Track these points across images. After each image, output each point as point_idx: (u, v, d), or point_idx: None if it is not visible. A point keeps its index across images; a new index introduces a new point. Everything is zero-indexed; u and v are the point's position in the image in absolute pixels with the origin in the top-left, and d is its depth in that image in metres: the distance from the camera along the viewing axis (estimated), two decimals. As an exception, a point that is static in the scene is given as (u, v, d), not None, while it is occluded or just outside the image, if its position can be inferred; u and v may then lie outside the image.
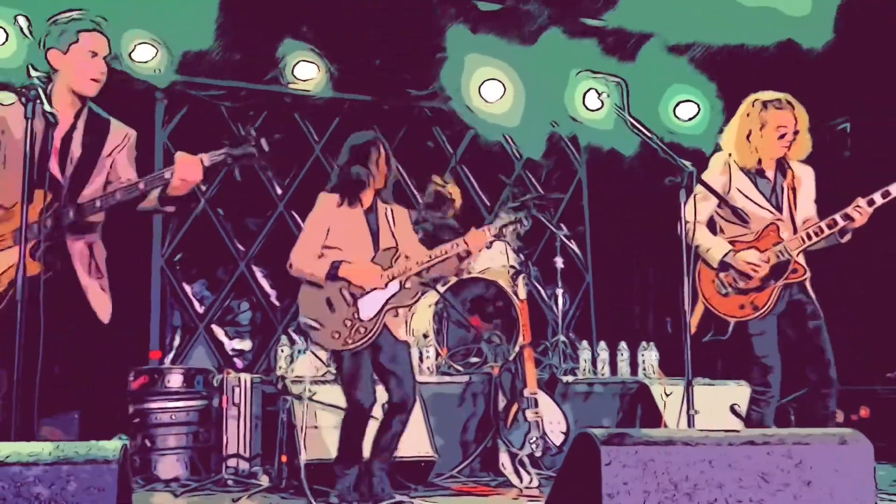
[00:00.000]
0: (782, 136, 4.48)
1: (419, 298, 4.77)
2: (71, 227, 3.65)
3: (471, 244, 4.56)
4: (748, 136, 4.51)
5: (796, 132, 4.49)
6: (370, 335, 4.52)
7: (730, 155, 4.57)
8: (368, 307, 4.55)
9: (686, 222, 4.17)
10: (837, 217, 4.30)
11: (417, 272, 4.62)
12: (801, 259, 4.44)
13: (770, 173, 4.54)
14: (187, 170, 3.53)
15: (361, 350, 4.53)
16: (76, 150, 3.74)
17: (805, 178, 4.57)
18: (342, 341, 4.51)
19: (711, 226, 4.61)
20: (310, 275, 4.55)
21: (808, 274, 4.42)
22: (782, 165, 4.54)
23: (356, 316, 4.53)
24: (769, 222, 4.46)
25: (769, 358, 4.42)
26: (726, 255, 4.43)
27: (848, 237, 4.39)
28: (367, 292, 4.55)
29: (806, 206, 4.55)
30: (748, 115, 4.53)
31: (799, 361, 4.46)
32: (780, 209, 4.49)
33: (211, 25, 6.82)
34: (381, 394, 4.69)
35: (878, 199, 4.25)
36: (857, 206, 4.25)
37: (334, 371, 5.09)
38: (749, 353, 4.44)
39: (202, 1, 6.57)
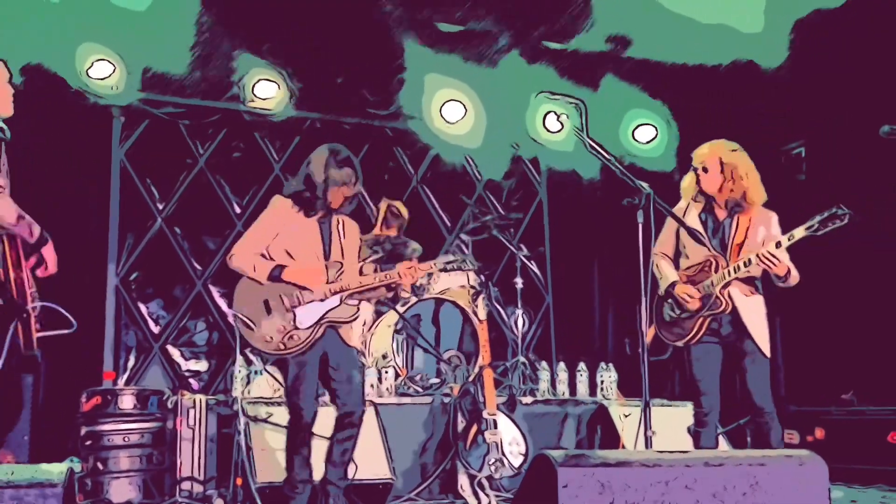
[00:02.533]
0: (695, 169, 4.75)
1: (357, 316, 4.77)
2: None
3: (404, 277, 4.64)
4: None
5: (706, 168, 4.69)
6: (303, 344, 4.50)
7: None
8: (306, 317, 4.54)
9: (654, 254, 4.78)
10: (752, 257, 4.50)
11: (353, 293, 4.62)
12: (736, 293, 4.62)
13: (720, 214, 4.74)
14: None
15: (308, 358, 4.52)
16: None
17: (761, 221, 4.69)
18: (274, 346, 4.50)
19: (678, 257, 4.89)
20: (252, 272, 4.54)
21: (728, 307, 4.60)
22: (734, 209, 4.71)
23: (293, 323, 4.51)
24: (705, 258, 4.68)
25: (703, 382, 4.69)
26: (670, 285, 4.76)
27: (788, 282, 4.58)
28: (308, 302, 4.54)
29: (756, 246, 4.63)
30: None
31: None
32: (724, 247, 4.68)
33: (172, 44, 6.78)
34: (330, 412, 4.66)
35: (783, 241, 4.43)
36: (760, 253, 4.44)
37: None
38: (690, 375, 4.73)
39: (161, 18, 6.53)
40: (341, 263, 4.65)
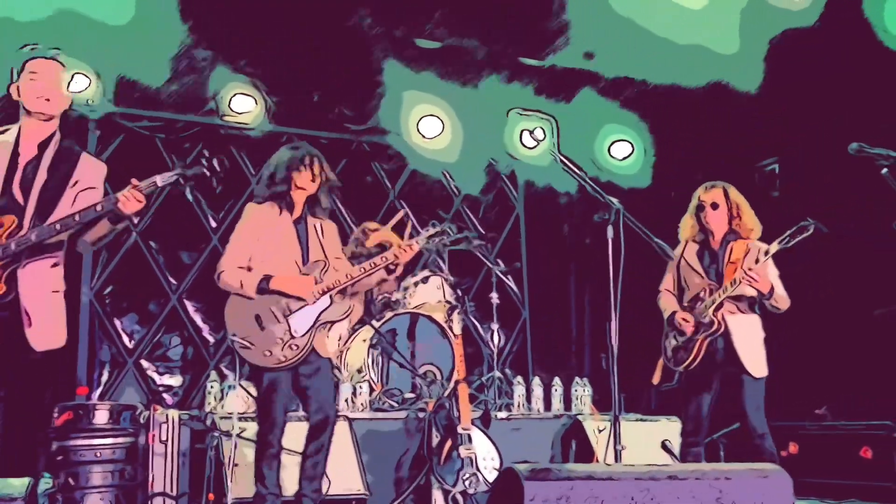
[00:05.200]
0: (702, 210, 5.11)
1: (350, 313, 4.77)
2: (31, 250, 3.74)
3: (399, 256, 4.69)
4: (688, 215, 5.24)
5: (715, 205, 5.08)
6: (303, 352, 4.48)
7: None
8: (300, 323, 4.52)
9: (659, 291, 5.29)
10: (736, 276, 4.85)
11: (347, 285, 4.61)
12: (729, 314, 4.96)
13: (715, 245, 5.13)
14: (131, 202, 3.73)
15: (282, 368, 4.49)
16: (41, 177, 3.83)
17: (755, 251, 4.98)
18: (275, 359, 4.46)
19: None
20: (239, 287, 4.49)
21: (721, 327, 4.94)
22: (727, 236, 5.11)
23: (289, 332, 4.48)
24: (701, 288, 5.04)
25: (694, 406, 5.05)
26: (671, 315, 5.15)
27: (776, 303, 4.92)
28: (298, 308, 4.52)
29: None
30: (694, 198, 5.21)
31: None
32: (720, 276, 5.02)
33: (149, 58, 6.77)
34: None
35: (761, 257, 4.83)
36: (744, 275, 4.79)
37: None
38: (685, 399, 5.10)
39: (139, 32, 6.52)
40: (324, 262, 4.63)
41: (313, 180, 4.68)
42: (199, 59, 7.06)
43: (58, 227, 3.72)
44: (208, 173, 3.83)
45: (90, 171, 3.96)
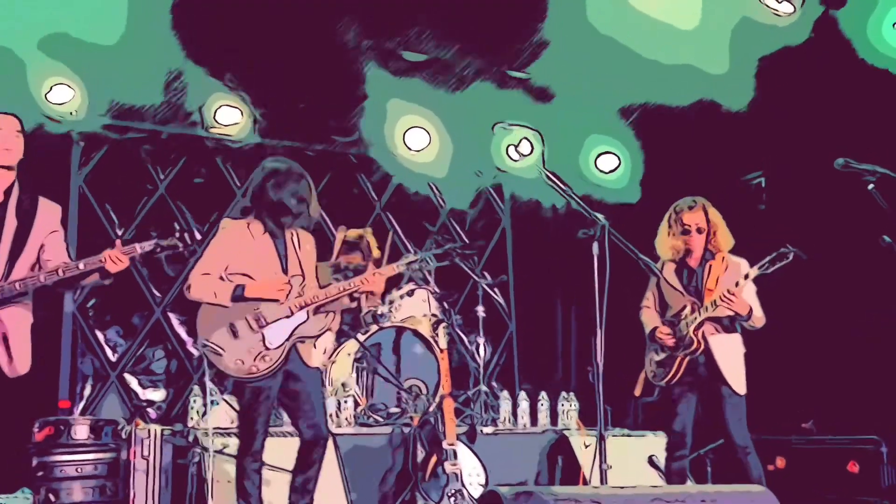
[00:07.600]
0: (687, 233, 5.12)
1: (326, 329, 4.72)
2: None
3: (377, 278, 4.67)
4: (667, 235, 5.21)
5: (700, 230, 5.10)
6: (275, 364, 4.42)
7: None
8: (275, 335, 4.46)
9: (641, 307, 5.33)
10: (716, 298, 4.89)
11: (325, 302, 4.56)
12: (710, 333, 5.02)
13: (693, 263, 5.16)
14: (117, 264, 4.01)
15: (268, 380, 4.43)
16: (11, 223, 4.03)
17: (734, 269, 5.03)
18: (246, 370, 4.39)
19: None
20: (213, 298, 4.42)
21: (701, 346, 4.98)
22: (706, 259, 5.13)
23: (262, 344, 4.42)
24: (683, 305, 5.06)
25: (677, 421, 5.08)
26: (652, 330, 5.18)
27: (753, 323, 4.96)
28: (274, 320, 4.46)
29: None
30: (667, 219, 5.22)
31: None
32: (699, 293, 5.05)
33: (134, 70, 6.72)
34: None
35: (741, 281, 4.84)
36: (721, 293, 4.83)
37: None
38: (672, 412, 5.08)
39: (127, 47, 6.47)
40: (302, 277, 4.58)
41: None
42: (185, 71, 7.01)
43: (42, 278, 3.99)
44: (180, 245, 4.19)
45: (50, 215, 4.18)
